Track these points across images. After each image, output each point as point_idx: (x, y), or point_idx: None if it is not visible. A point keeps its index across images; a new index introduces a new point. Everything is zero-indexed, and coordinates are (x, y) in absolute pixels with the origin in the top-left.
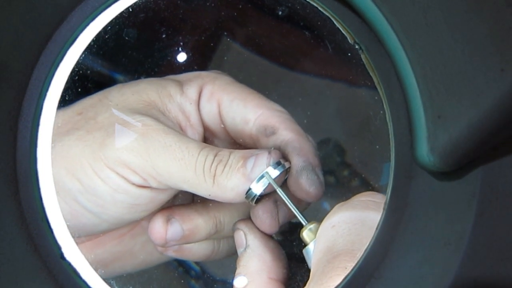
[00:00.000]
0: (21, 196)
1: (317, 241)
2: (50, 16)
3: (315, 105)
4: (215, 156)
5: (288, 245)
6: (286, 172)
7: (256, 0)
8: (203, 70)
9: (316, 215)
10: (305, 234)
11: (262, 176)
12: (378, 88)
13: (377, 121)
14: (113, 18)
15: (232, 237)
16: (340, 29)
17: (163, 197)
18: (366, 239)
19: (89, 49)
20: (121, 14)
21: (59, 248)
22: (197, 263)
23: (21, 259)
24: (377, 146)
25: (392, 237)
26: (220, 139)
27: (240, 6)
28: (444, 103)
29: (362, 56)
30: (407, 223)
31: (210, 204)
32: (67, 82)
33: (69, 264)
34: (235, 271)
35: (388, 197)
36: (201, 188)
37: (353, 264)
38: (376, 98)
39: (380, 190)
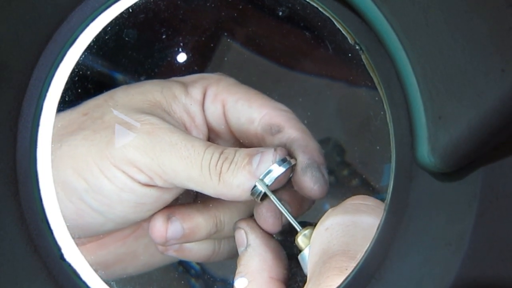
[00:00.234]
0: (21, 196)
1: (311, 245)
2: (50, 16)
3: (315, 105)
4: (221, 154)
5: (289, 245)
6: (292, 169)
7: (256, 0)
8: (203, 71)
9: (316, 215)
10: (300, 240)
11: (268, 173)
12: (378, 88)
13: (377, 121)
14: (113, 19)
15: (233, 238)
16: (340, 29)
17: (168, 196)
18: (360, 240)
19: (89, 49)
20: (121, 14)
21: (59, 248)
22: (197, 262)
23: (21, 260)
24: (378, 147)
25: (393, 238)
26: (224, 140)
27: (240, 7)
28: (445, 104)
29: (363, 57)
30: (407, 223)
31: (211, 204)
32: (67, 83)
33: (69, 265)
34: (235, 271)
35: (389, 198)
36: (207, 186)
37: (349, 264)
38: (376, 98)
39: (381, 190)
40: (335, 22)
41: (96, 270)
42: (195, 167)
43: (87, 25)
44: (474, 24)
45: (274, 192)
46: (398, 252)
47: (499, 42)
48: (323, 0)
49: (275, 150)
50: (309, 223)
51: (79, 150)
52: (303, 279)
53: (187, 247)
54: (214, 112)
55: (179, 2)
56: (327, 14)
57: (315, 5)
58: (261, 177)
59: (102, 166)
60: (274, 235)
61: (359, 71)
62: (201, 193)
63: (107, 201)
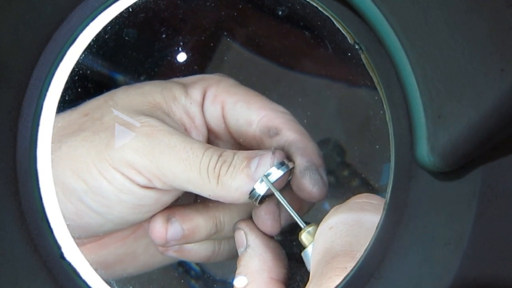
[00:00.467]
0: (21, 196)
1: (315, 243)
2: (50, 16)
3: (315, 105)
4: (219, 156)
5: (289, 245)
6: (290, 172)
7: (256, 0)
8: (203, 70)
9: (317, 215)
10: (304, 237)
11: (266, 176)
12: (378, 88)
13: (377, 121)
14: (113, 18)
15: (233, 238)
16: (340, 29)
17: (168, 198)
18: (363, 240)
19: (89, 49)
20: (121, 14)
21: (59, 248)
22: (197, 263)
23: (21, 259)
24: (377, 146)
25: (392, 237)
26: (223, 141)
27: (240, 6)
28: (444, 103)
29: (362, 56)
30: (407, 223)
31: (210, 204)
32: (67, 82)
33: (69, 264)
34: (235, 271)
35: (388, 197)
36: (205, 189)
37: (352, 265)
38: (376, 98)
39: (380, 190)
40: (335, 22)
41: (96, 270)
42: (193, 170)
43: (87, 25)
44: (474, 24)
45: (272, 195)
46: (398, 251)
47: (499, 42)
48: (323, 0)
49: (273, 153)
50: (308, 223)
51: (79, 151)
52: (303, 279)
53: (187, 247)
54: (213, 114)
55: (179, 2)
56: (327, 14)
57: (314, 4)
58: (259, 181)
59: (101, 168)
60: (274, 236)
61: (358, 71)
62: None
63: (106, 202)
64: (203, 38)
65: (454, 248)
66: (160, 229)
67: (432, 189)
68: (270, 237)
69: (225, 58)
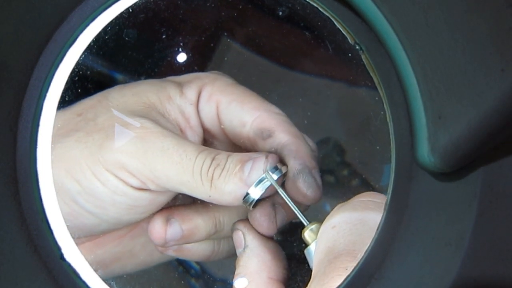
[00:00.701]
0: (21, 196)
1: (318, 242)
2: (50, 16)
3: (315, 105)
4: (213, 160)
5: (289, 245)
6: (284, 176)
7: (256, 0)
8: (203, 71)
9: (317, 215)
10: (307, 235)
11: (260, 181)
12: (378, 88)
13: (377, 121)
14: (113, 19)
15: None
16: (340, 29)
17: (163, 199)
18: (367, 239)
19: (89, 49)
20: (121, 14)
21: (59, 248)
22: (197, 262)
23: (21, 260)
24: (378, 147)
25: (393, 238)
26: (219, 140)
27: (240, 6)
28: (445, 104)
29: (362, 57)
30: (407, 223)
31: (210, 205)
32: (67, 83)
33: (69, 264)
34: (235, 271)
35: (389, 198)
36: (199, 192)
37: (354, 265)
38: (376, 98)
39: (381, 190)
40: (335, 22)
41: (96, 270)
42: (186, 173)
43: (87, 25)
44: (474, 24)
45: (267, 198)
46: (398, 252)
47: (499, 42)
48: (323, 0)
49: (266, 157)
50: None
51: (73, 152)
52: (303, 279)
53: (187, 247)
54: (208, 113)
55: (179, 2)
56: (327, 14)
57: (315, 5)
58: (253, 185)
59: (94, 169)
60: (274, 236)
61: (359, 71)
62: None
63: (100, 203)
64: (203, 38)
65: (455, 249)
66: (160, 230)
67: (432, 190)
68: (269, 237)
69: (225, 58)
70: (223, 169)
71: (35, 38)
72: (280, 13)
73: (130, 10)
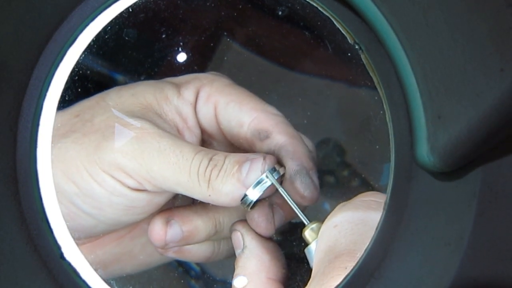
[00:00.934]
0: (21, 196)
1: (319, 241)
2: (50, 16)
3: (315, 105)
4: (210, 160)
5: (288, 245)
6: (281, 177)
7: (256, 0)
8: (203, 71)
9: (316, 215)
10: (307, 234)
11: (259, 183)
12: (378, 88)
13: (377, 121)
14: (113, 18)
15: None
16: (340, 29)
17: (160, 200)
18: (368, 239)
19: (89, 49)
20: (121, 14)
21: (59, 248)
22: (197, 263)
23: (21, 259)
24: (377, 146)
25: (392, 237)
26: (218, 141)
27: (240, 6)
28: (444, 103)
29: (362, 56)
30: (407, 223)
31: (210, 206)
32: (67, 82)
33: (69, 264)
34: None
35: (388, 198)
36: (196, 192)
37: (353, 264)
38: (376, 98)
39: (380, 190)
40: (335, 22)
41: (96, 269)
42: (183, 173)
43: (87, 25)
44: (474, 24)
45: (265, 198)
46: (398, 251)
47: (498, 42)
48: (323, 0)
49: (264, 159)
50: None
51: (69, 153)
52: (303, 279)
53: (187, 248)
54: (206, 114)
55: (179, 2)
56: (327, 14)
57: (314, 5)
58: (251, 187)
59: (91, 170)
60: (274, 236)
61: (358, 71)
62: None
63: (97, 204)
64: (203, 38)
65: (454, 248)
66: (159, 231)
67: (432, 189)
68: (267, 237)
69: (225, 58)
70: (220, 169)
71: (35, 38)
72: (280, 13)
73: (130, 10)
